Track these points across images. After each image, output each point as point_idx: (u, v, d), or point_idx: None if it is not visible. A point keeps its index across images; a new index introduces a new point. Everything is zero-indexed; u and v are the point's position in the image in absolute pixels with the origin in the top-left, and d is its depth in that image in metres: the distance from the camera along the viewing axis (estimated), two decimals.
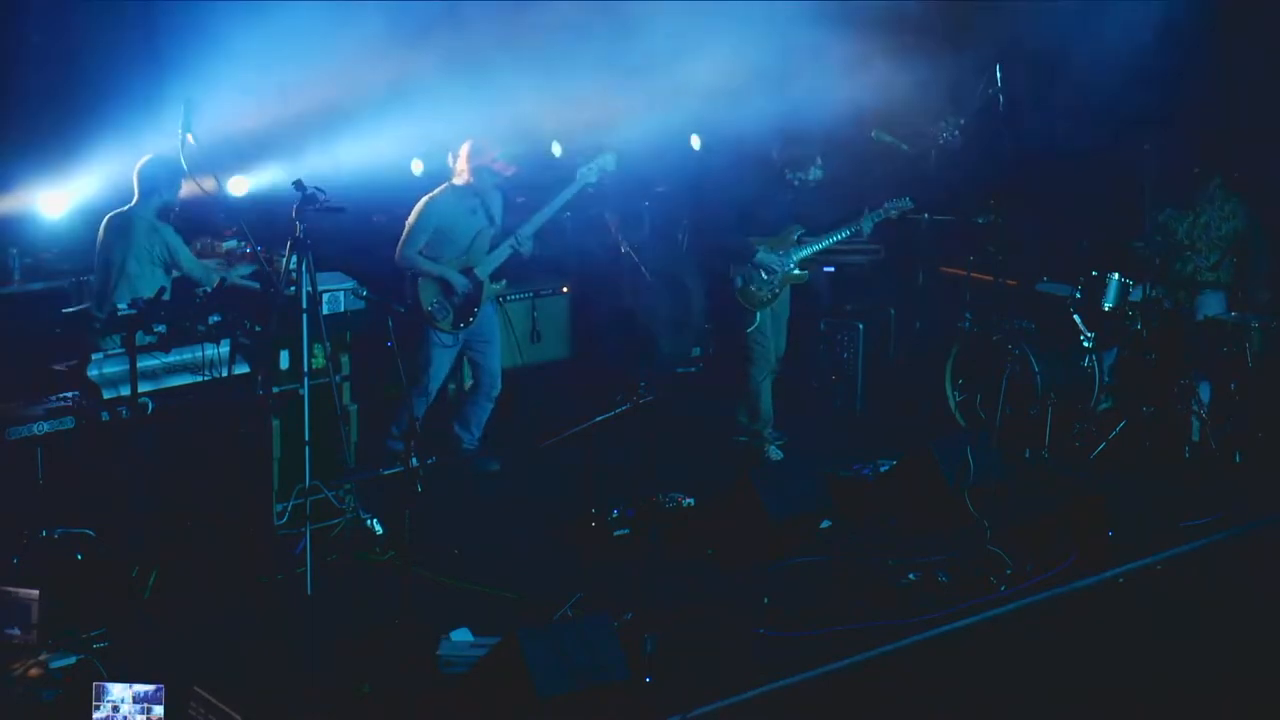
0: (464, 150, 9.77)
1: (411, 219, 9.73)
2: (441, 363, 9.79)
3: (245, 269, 9.30)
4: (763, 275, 10.20)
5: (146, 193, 8.93)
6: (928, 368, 11.19)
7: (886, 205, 10.38)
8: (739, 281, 10.24)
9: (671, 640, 7.32)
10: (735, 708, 7.02)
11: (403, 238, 9.71)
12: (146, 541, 8.06)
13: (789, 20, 10.99)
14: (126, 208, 8.96)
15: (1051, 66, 11.23)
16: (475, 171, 9.73)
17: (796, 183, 10.25)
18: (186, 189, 9.22)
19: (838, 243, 10.44)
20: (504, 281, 10.00)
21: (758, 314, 10.26)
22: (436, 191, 9.80)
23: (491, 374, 10.07)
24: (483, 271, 9.80)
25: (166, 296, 8.45)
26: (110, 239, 8.90)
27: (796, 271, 10.29)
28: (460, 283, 9.70)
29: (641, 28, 11.25)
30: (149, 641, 7.37)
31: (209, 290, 8.60)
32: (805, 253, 10.30)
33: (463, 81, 10.93)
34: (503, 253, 9.87)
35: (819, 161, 10.28)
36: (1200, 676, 7.38)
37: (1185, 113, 11.24)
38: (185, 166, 8.61)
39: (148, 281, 8.72)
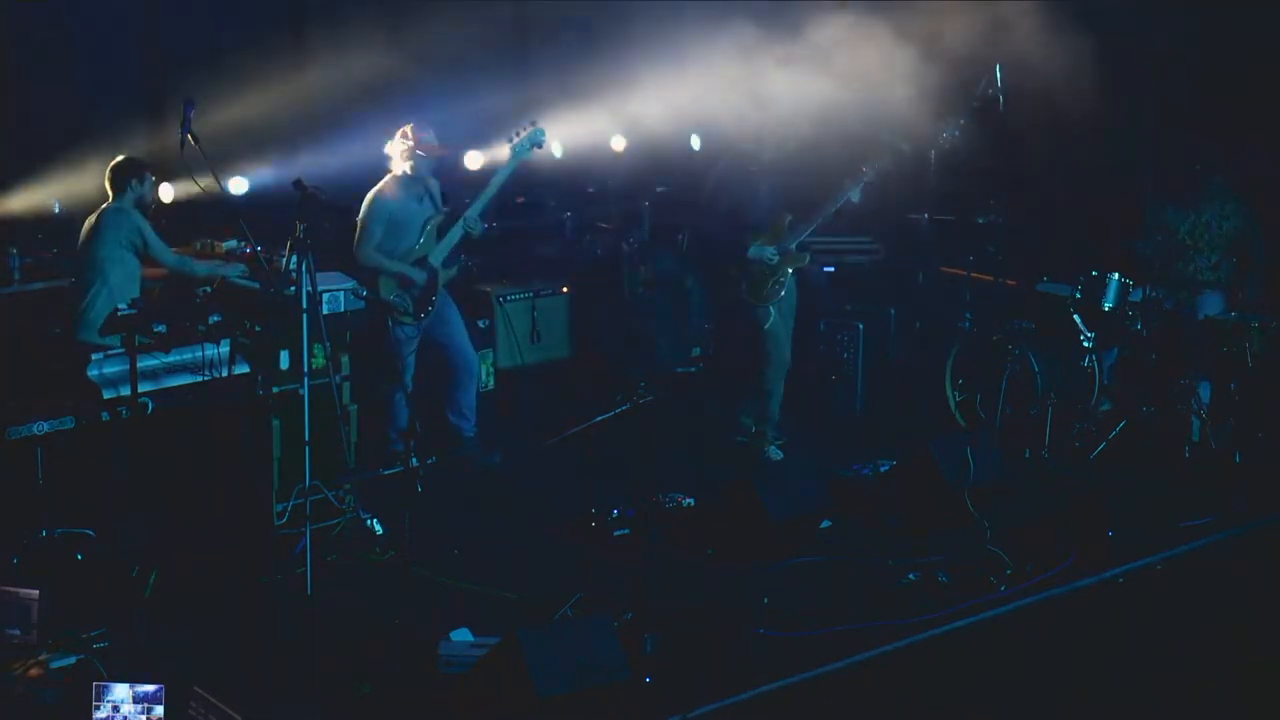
0: (398, 138, 9.79)
1: (363, 215, 9.70)
2: (409, 355, 9.79)
3: (237, 269, 9.25)
4: (763, 269, 10.18)
5: (119, 190, 8.98)
6: (928, 368, 11.19)
7: (865, 169, 10.28)
8: (743, 284, 10.23)
9: (671, 640, 7.32)
10: (735, 708, 7.02)
11: (358, 236, 9.68)
12: (146, 541, 8.06)
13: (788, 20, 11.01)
14: (101, 207, 9.01)
15: (1051, 67, 11.23)
16: (408, 157, 9.74)
17: (755, 168, 10.22)
18: (184, 189, 9.23)
19: (832, 214, 10.32)
20: (455, 269, 9.98)
21: (770, 309, 10.24)
22: (381, 184, 9.79)
23: (462, 352, 10.03)
24: (436, 259, 9.78)
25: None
26: (86, 235, 8.96)
27: (795, 252, 10.25)
28: (418, 276, 9.71)
29: (636, 28, 11.29)
30: (149, 641, 7.36)
31: (209, 290, 8.60)
32: (800, 236, 10.27)
33: (458, 81, 10.96)
34: (454, 236, 9.83)
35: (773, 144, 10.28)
36: (1200, 676, 7.38)
37: (1185, 112, 11.24)
38: (149, 162, 8.85)
39: (120, 266, 8.73)
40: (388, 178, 9.81)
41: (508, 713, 6.71)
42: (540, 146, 10.02)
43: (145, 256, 8.92)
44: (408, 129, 9.75)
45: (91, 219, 8.99)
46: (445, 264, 9.86)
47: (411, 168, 9.75)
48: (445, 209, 9.90)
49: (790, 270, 10.25)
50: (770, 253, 10.16)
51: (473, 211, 9.89)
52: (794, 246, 10.23)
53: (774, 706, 7.10)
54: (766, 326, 10.24)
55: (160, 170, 9.47)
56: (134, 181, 8.98)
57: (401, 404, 9.54)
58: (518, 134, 9.97)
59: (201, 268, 9.11)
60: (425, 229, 9.79)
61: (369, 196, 9.74)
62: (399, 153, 9.76)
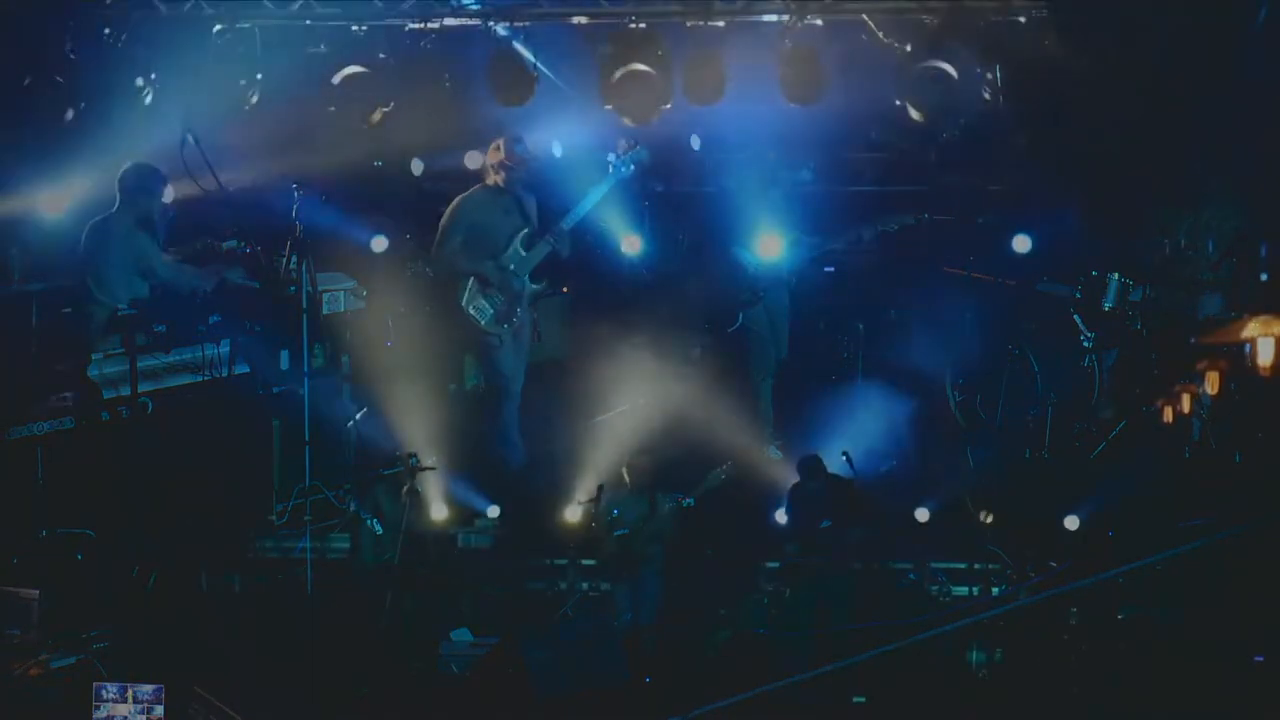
0: (490, 150, 9.78)
1: (445, 219, 9.70)
2: (510, 362, 9.77)
3: (237, 271, 9.22)
4: (744, 277, 10.19)
5: (126, 200, 8.86)
6: (928, 368, 11.18)
7: (889, 219, 10.37)
8: (722, 282, 10.24)
9: (672, 640, 7.32)
10: (735, 708, 7.02)
11: (437, 239, 9.69)
12: (146, 541, 8.06)
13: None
14: (106, 214, 8.91)
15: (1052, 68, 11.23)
16: (499, 169, 9.73)
17: (786, 183, 10.26)
18: (183, 190, 9.21)
19: (834, 249, 10.42)
20: (544, 281, 9.96)
21: (739, 314, 10.25)
22: (470, 192, 9.79)
23: (515, 380, 10.04)
24: (521, 269, 9.77)
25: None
26: (89, 245, 8.82)
27: (785, 276, 10.27)
28: (496, 278, 9.68)
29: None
30: (149, 641, 7.37)
31: (208, 290, 8.61)
32: (797, 259, 10.28)
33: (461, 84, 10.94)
34: (540, 251, 9.80)
35: (811, 165, 10.30)
36: (1199, 676, 7.38)
37: (1186, 114, 11.22)
38: (165, 173, 8.71)
39: (124, 288, 8.67)
40: (477, 186, 9.80)
41: (507, 713, 6.72)
42: (640, 165, 9.95)
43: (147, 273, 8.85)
44: (500, 141, 9.73)
45: (95, 227, 8.84)
46: (532, 278, 9.83)
47: (502, 179, 9.72)
48: (537, 225, 9.84)
49: (768, 287, 10.26)
50: (758, 264, 10.17)
51: (563, 226, 9.82)
52: (787, 270, 10.24)
53: (774, 706, 7.10)
54: (731, 329, 10.25)
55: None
56: (143, 197, 8.82)
57: (512, 415, 9.56)
58: (618, 152, 9.92)
59: (197, 277, 9.02)
60: (512, 240, 9.76)
61: (455, 200, 9.74)
62: (491, 164, 9.76)
